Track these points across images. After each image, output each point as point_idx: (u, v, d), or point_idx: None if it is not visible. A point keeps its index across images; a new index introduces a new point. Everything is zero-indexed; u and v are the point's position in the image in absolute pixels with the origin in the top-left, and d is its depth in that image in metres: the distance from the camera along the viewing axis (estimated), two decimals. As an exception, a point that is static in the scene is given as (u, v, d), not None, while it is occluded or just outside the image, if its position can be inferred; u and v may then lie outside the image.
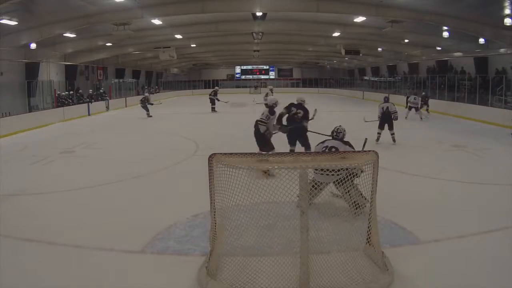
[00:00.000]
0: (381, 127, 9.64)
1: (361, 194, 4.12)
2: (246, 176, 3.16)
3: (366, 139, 6.53)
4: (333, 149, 4.96)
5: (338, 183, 4.04)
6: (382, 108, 9.56)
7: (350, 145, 5.18)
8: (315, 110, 8.17)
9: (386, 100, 10.06)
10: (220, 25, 17.63)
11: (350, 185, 4.26)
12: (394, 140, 9.54)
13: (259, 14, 14.88)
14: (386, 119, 9.50)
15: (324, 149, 5.12)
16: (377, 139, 9.65)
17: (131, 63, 28.26)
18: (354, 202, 4.26)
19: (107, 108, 21.14)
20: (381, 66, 31.05)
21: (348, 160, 3.26)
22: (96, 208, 5.33)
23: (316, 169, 3.86)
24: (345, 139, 5.32)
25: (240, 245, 3.63)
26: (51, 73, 18.78)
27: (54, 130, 13.97)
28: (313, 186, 3.82)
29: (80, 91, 19.94)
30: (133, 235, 4.29)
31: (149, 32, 18.17)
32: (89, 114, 18.66)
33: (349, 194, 4.35)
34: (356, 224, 3.68)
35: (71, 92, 19.18)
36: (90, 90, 20.86)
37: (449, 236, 4.18)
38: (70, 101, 18.21)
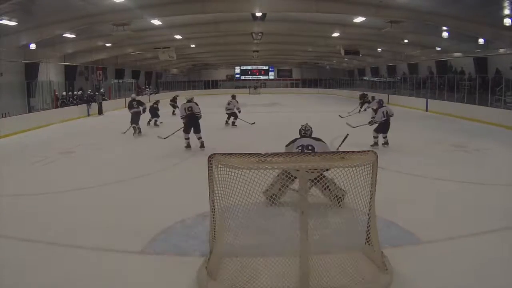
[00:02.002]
0: (383, 131, 9.20)
1: (338, 186, 3.96)
2: (245, 176, 3.16)
3: (347, 134, 6.66)
4: (310, 147, 5.03)
5: (315, 180, 3.59)
6: (384, 112, 9.01)
7: (322, 141, 5.24)
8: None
9: (382, 103, 9.88)
10: (220, 26, 17.63)
11: (327, 181, 3.99)
12: (388, 143, 9.32)
13: (258, 14, 14.90)
14: (387, 123, 9.06)
15: (299, 148, 5.07)
16: (376, 144, 9.16)
17: (130, 63, 28.27)
18: (335, 195, 4.16)
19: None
20: (381, 67, 31.07)
21: (347, 160, 3.26)
22: (96, 209, 5.33)
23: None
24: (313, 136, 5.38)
25: (240, 245, 3.63)
26: (50, 74, 18.78)
27: (53, 130, 13.97)
28: (287, 178, 3.78)
29: (80, 92, 19.94)
30: (133, 235, 4.29)
31: (149, 33, 18.17)
32: (88, 115, 18.67)
33: (329, 189, 4.15)
34: (355, 224, 3.67)
35: (79, 92, 19.23)
36: (90, 91, 20.87)
37: (449, 236, 4.18)
38: (75, 102, 18.22)
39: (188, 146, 9.31)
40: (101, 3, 12.54)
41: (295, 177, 3.58)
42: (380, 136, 9.27)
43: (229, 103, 13.72)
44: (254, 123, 13.64)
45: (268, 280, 3.21)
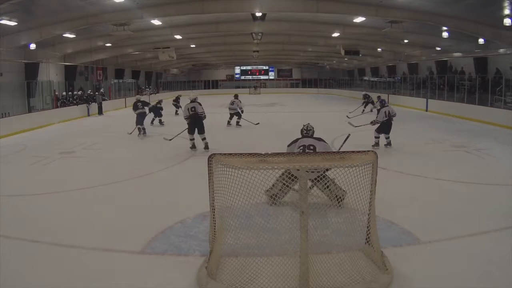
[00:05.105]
0: (385, 131, 9.06)
1: (339, 186, 3.99)
2: (245, 176, 3.16)
3: (349, 135, 6.69)
4: (311, 147, 5.05)
5: (316, 179, 3.80)
6: (386, 112, 8.90)
7: (324, 141, 5.28)
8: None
9: (385, 103, 9.57)
10: (220, 26, 17.63)
11: (328, 180, 4.15)
12: (390, 144, 9.21)
13: (258, 14, 14.87)
14: (389, 124, 8.96)
15: (301, 148, 5.09)
16: (377, 144, 9.07)
17: (130, 63, 28.28)
18: (335, 195, 4.12)
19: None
20: (381, 67, 31.05)
21: (347, 160, 3.25)
22: (96, 209, 5.33)
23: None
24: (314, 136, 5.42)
25: (240, 245, 3.63)
26: (50, 74, 18.77)
27: (53, 130, 13.97)
28: (289, 178, 3.42)
29: (80, 91, 19.93)
30: (133, 235, 4.29)
31: (149, 33, 18.19)
32: (88, 115, 18.67)
33: (329, 189, 4.26)
34: (355, 224, 3.67)
35: (79, 92, 19.23)
36: (90, 91, 20.87)
37: (449, 236, 4.18)
38: (75, 101, 18.21)
39: (193, 147, 9.16)
40: (101, 3, 12.54)
41: (297, 177, 3.45)
42: (382, 136, 9.17)
43: (232, 103, 13.67)
44: (258, 123, 13.36)
45: (268, 280, 3.21)
